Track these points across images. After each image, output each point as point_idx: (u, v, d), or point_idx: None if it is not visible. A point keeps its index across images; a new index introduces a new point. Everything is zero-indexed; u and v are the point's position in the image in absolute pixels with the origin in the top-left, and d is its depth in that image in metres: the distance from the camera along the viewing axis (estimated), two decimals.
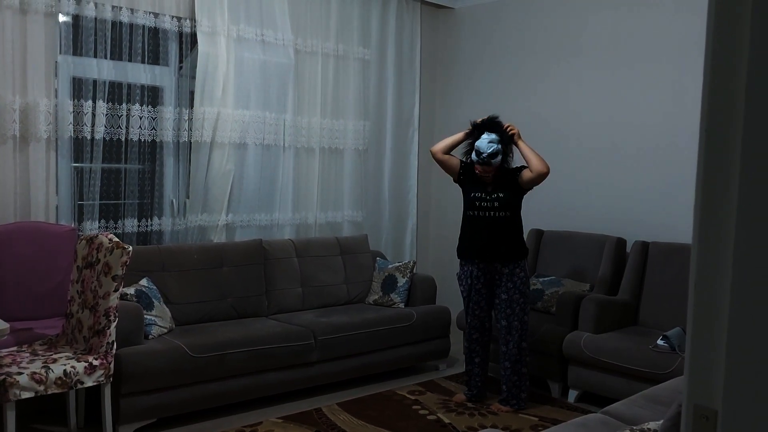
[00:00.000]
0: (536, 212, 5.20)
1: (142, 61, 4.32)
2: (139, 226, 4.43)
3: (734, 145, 0.72)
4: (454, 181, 4.12)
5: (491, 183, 3.92)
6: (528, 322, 3.99)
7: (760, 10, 0.71)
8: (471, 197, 3.97)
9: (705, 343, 0.75)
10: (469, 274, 4.00)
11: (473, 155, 3.87)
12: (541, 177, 3.81)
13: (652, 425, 1.85)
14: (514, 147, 3.92)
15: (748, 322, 0.70)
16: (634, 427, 1.83)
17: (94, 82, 4.13)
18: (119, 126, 4.26)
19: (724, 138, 0.73)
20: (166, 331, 3.79)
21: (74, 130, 4.07)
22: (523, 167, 3.89)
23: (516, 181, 3.88)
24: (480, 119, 3.93)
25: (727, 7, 0.74)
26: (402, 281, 4.81)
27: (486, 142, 3.82)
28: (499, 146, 3.82)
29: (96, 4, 4.08)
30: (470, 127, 3.95)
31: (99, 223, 4.23)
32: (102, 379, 3.21)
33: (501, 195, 3.88)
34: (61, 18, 4.03)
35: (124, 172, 4.37)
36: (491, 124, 3.89)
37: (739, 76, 0.72)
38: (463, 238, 4.04)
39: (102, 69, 4.14)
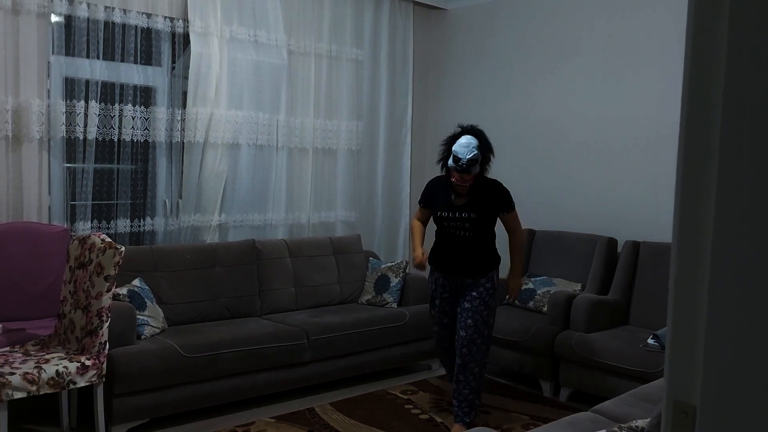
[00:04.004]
0: (528, 212, 5.22)
1: (135, 62, 4.33)
2: (131, 226, 4.43)
3: (712, 148, 0.74)
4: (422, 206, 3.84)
5: (465, 196, 3.57)
6: (490, 337, 3.64)
7: (736, 15, 0.73)
8: (438, 216, 3.65)
9: (684, 341, 0.77)
10: (435, 281, 3.76)
11: (450, 161, 3.48)
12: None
13: (639, 422, 1.88)
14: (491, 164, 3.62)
15: (725, 320, 0.73)
16: (622, 425, 1.85)
17: (87, 82, 4.12)
18: (112, 126, 4.26)
19: (703, 140, 0.75)
20: (158, 331, 3.80)
21: (67, 131, 4.07)
22: (508, 206, 3.64)
23: (494, 204, 3.59)
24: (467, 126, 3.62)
25: (706, 12, 0.76)
26: (395, 281, 4.82)
27: (465, 147, 3.42)
28: (479, 152, 3.44)
29: (88, 5, 4.08)
30: (446, 146, 3.59)
31: (91, 223, 4.23)
32: (94, 379, 3.21)
33: (473, 216, 3.54)
34: (54, 18, 4.02)
35: (116, 173, 4.37)
36: (472, 131, 3.53)
37: (716, 80, 0.74)
38: (434, 249, 3.76)
39: (94, 69, 4.14)
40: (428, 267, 3.79)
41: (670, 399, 0.78)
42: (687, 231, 0.76)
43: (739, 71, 0.72)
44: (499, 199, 3.62)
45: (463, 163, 3.41)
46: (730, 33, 0.73)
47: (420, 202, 3.87)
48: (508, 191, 3.66)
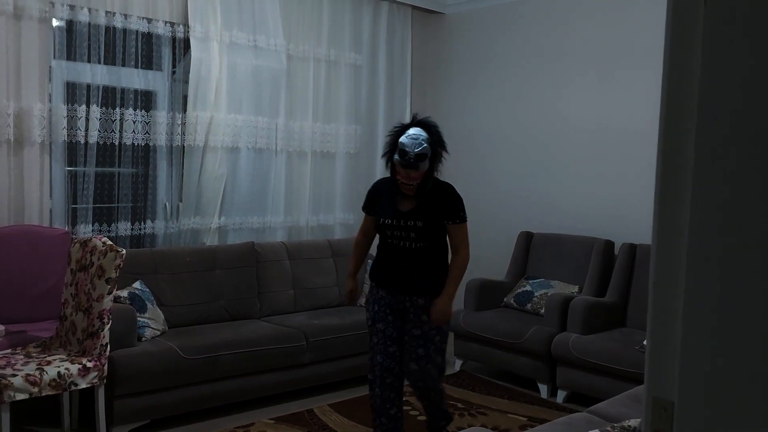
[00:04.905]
0: (526, 215, 5.27)
1: (136, 66, 4.36)
2: (132, 229, 4.47)
3: (687, 158, 0.77)
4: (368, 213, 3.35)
5: (411, 200, 3.11)
6: (443, 365, 3.21)
7: (710, 25, 0.77)
8: (380, 224, 3.18)
9: (662, 341, 0.80)
10: (378, 300, 3.22)
11: (396, 155, 3.02)
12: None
13: (632, 422, 1.91)
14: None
15: (700, 321, 0.76)
16: (615, 425, 1.89)
17: (88, 86, 4.16)
18: (113, 130, 4.30)
19: (679, 150, 0.79)
20: (159, 333, 3.83)
21: (68, 135, 4.11)
22: (457, 215, 3.11)
23: (443, 210, 3.10)
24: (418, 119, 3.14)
25: (683, 21, 0.80)
26: None
27: (414, 139, 2.97)
28: (429, 146, 2.99)
29: (90, 10, 4.12)
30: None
31: (92, 226, 4.26)
32: (96, 380, 3.24)
33: (419, 224, 3.06)
34: (55, 23, 4.06)
35: (117, 176, 4.40)
36: (423, 123, 3.08)
37: (692, 89, 0.78)
38: (377, 261, 3.28)
39: (96, 74, 4.18)
40: (360, 298, 3.44)
41: (650, 396, 0.82)
42: (664, 236, 0.80)
43: (713, 80, 0.76)
44: (449, 205, 3.11)
45: (410, 157, 2.94)
46: (704, 47, 0.77)
47: (363, 209, 3.36)
48: (460, 198, 3.15)
